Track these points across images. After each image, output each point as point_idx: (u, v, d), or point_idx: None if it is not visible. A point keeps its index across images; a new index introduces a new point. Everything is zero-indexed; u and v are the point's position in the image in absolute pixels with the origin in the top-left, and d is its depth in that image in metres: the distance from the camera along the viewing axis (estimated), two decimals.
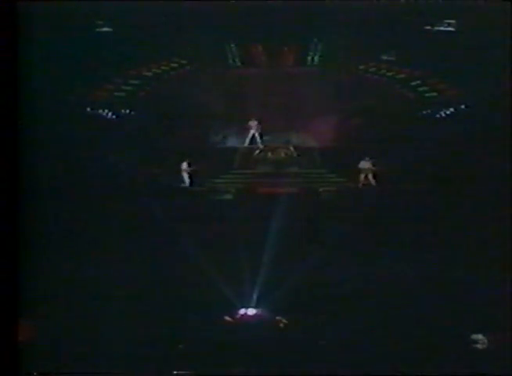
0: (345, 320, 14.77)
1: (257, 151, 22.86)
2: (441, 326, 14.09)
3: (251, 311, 14.93)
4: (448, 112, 22.31)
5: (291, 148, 22.51)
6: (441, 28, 18.66)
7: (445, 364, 12.52)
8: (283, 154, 22.18)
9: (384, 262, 16.30)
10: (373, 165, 20.83)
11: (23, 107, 13.54)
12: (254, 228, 16.71)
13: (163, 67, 22.85)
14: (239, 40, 20.71)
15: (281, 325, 14.45)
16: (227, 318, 14.63)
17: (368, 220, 17.24)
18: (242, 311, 14.91)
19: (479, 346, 13.33)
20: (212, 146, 23.30)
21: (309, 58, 22.70)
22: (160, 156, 21.61)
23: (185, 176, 20.93)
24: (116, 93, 22.29)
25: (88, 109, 21.79)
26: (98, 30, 18.32)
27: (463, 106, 21.68)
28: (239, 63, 22.79)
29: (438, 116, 22.44)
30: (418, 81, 22.41)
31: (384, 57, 21.99)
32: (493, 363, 12.35)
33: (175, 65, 22.95)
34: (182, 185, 20.80)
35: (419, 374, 12.54)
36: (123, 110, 22.91)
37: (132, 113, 23.02)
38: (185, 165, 20.91)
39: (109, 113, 22.44)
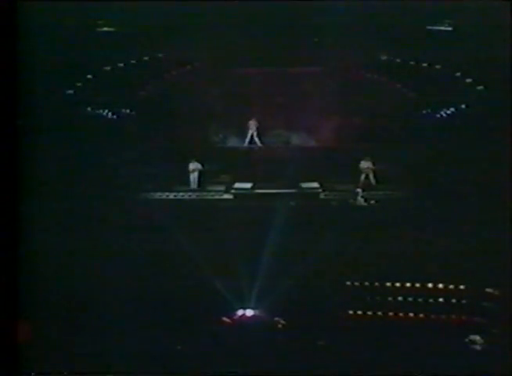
0: (344, 321, 14.83)
1: (257, 151, 22.87)
2: (440, 326, 14.18)
3: (249, 312, 14.95)
4: (448, 112, 22.28)
5: (291, 148, 22.50)
6: (441, 28, 18.61)
7: (444, 365, 12.54)
8: (282, 154, 22.16)
9: (383, 262, 16.32)
10: (374, 165, 20.83)
11: (23, 107, 13.56)
12: (253, 228, 16.72)
13: (163, 67, 22.81)
14: (238, 40, 20.66)
15: (279, 326, 14.48)
16: (225, 319, 14.64)
17: (368, 221, 17.26)
18: (240, 312, 14.93)
19: (477, 347, 13.37)
20: (211, 146, 23.32)
21: (309, 57, 22.64)
22: (160, 156, 21.63)
23: (193, 178, 20.75)
24: (116, 93, 22.26)
25: (89, 109, 21.78)
26: (98, 30, 18.28)
27: (463, 106, 21.65)
28: (239, 63, 22.75)
29: (438, 116, 22.42)
30: (418, 81, 22.37)
31: (384, 57, 21.96)
32: (491, 364, 12.37)
33: (175, 64, 22.92)
34: (191, 186, 20.73)
35: (419, 375, 12.57)
36: (123, 110, 22.92)
37: (132, 113, 23.03)
38: (193, 166, 20.78)
39: (110, 113, 22.44)
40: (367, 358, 12.97)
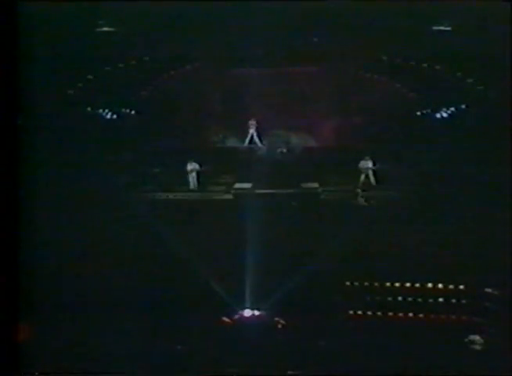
0: (344, 321, 14.83)
1: (257, 151, 22.90)
2: (440, 326, 14.18)
3: (250, 312, 14.96)
4: (448, 112, 22.30)
5: (291, 147, 22.52)
6: (441, 28, 18.63)
7: (444, 365, 12.55)
8: (282, 154, 22.19)
9: (383, 262, 16.33)
10: (374, 165, 20.84)
11: (24, 107, 13.56)
12: (253, 228, 16.71)
13: (163, 67, 22.84)
14: (238, 40, 20.70)
15: (279, 326, 14.49)
16: (225, 319, 14.65)
17: (368, 221, 17.25)
18: (240, 312, 14.94)
19: (477, 347, 13.38)
20: (211, 146, 23.35)
21: (309, 57, 22.68)
22: (160, 156, 21.66)
23: (192, 178, 20.75)
24: (116, 93, 22.29)
25: (89, 109, 21.80)
26: (98, 30, 18.29)
27: (463, 106, 21.67)
28: (239, 63, 22.78)
29: (438, 116, 22.44)
30: (418, 81, 22.41)
31: (384, 57, 21.98)
32: (491, 364, 12.39)
33: (175, 65, 22.95)
34: (191, 187, 20.74)
35: (419, 375, 12.58)
36: (123, 110, 22.94)
37: (132, 113, 23.05)
38: (191, 166, 20.78)
39: (110, 113, 22.45)
40: (367, 358, 12.97)
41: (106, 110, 22.39)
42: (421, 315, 15.45)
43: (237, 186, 20.65)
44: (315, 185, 20.57)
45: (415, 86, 22.67)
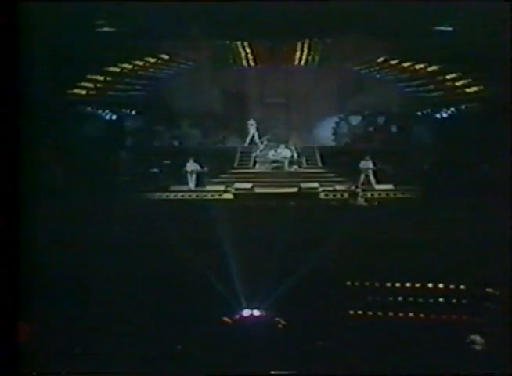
0: (344, 320, 14.83)
1: (257, 151, 22.92)
2: (441, 326, 14.17)
3: (250, 312, 14.94)
4: (448, 112, 22.32)
5: (291, 147, 22.54)
6: (441, 28, 18.64)
7: (444, 365, 12.54)
8: (282, 154, 22.20)
9: (384, 262, 16.33)
10: (374, 165, 20.86)
11: (24, 107, 13.55)
12: (253, 228, 16.73)
13: (163, 67, 22.87)
14: (238, 40, 20.73)
15: (280, 326, 14.48)
16: (226, 319, 14.64)
17: (367, 221, 17.27)
18: (240, 312, 14.93)
19: (477, 347, 13.35)
20: (212, 146, 23.38)
21: (309, 57, 22.72)
22: (160, 156, 21.71)
23: (191, 178, 20.72)
24: (116, 93, 22.32)
25: (89, 109, 21.82)
26: (98, 30, 18.29)
27: (463, 106, 21.69)
28: (239, 63, 22.82)
29: (438, 116, 22.46)
30: (418, 81, 22.44)
31: (384, 57, 22.01)
32: (491, 364, 12.37)
33: (175, 64, 22.99)
34: (190, 187, 20.72)
35: (419, 375, 12.58)
36: (123, 110, 22.97)
37: (132, 113, 23.09)
38: (191, 166, 20.74)
39: (110, 113, 22.48)
40: (367, 358, 12.95)
41: (107, 110, 22.42)
42: (422, 315, 15.46)
43: (237, 186, 20.66)
44: (315, 185, 20.59)
45: (414, 86, 22.70)
